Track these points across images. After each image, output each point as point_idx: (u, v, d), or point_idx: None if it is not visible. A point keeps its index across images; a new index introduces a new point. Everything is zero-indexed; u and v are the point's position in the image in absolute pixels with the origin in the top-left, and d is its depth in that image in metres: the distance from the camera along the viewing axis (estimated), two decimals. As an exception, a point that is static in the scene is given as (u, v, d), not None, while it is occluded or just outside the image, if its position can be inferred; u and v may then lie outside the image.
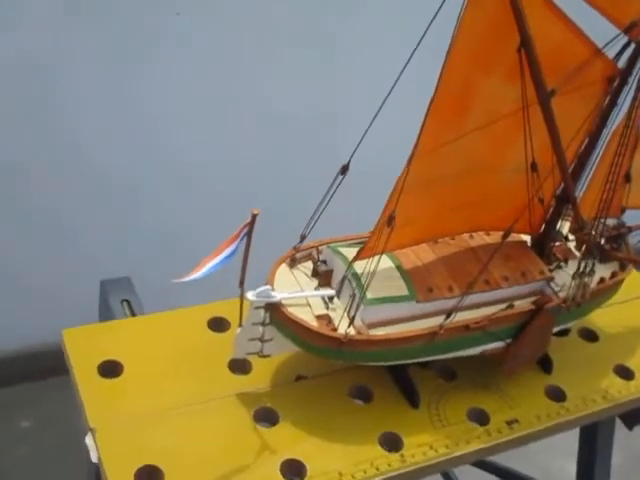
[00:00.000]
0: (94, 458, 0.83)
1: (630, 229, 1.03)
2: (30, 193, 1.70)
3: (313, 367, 0.94)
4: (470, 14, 0.70)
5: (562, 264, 0.97)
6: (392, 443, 0.89)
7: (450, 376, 0.99)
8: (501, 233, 0.96)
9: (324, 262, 0.89)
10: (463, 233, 0.94)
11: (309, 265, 0.91)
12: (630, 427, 1.13)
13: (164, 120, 1.73)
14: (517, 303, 0.92)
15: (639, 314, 1.13)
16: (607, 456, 1.19)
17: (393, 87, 0.77)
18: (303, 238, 0.88)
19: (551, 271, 0.95)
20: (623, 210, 1.01)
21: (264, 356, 0.89)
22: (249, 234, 0.75)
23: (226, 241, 0.74)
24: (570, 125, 0.86)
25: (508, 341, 0.92)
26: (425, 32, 0.72)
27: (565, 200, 0.93)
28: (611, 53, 0.84)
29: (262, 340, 0.86)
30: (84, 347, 0.93)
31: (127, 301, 1.05)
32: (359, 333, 0.84)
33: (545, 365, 1.01)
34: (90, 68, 1.65)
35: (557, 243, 0.99)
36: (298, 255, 0.90)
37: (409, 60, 0.74)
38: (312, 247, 0.90)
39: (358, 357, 0.86)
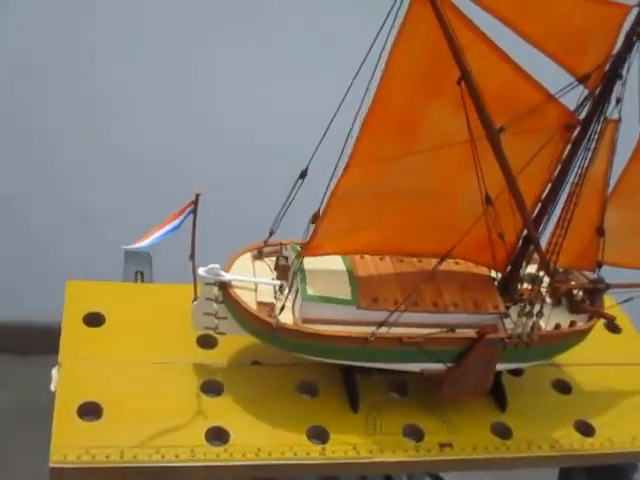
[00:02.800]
0: (53, 388, 0.95)
1: (608, 286, 1.04)
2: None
3: (271, 356, 1.02)
4: (404, 42, 0.78)
5: (526, 306, 1.00)
6: (319, 436, 0.96)
7: (401, 391, 1.04)
8: (469, 263, 1.02)
9: (285, 258, 0.98)
10: (428, 255, 0.98)
11: (274, 259, 1.00)
12: (593, 486, 1.12)
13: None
14: (463, 330, 0.96)
15: (622, 379, 1.13)
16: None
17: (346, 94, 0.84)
18: (271, 233, 0.97)
19: (508, 308, 0.98)
20: (600, 265, 1.02)
21: (221, 333, 0.99)
22: (194, 212, 0.86)
23: (170, 216, 0.84)
24: (529, 166, 0.90)
25: (449, 365, 0.97)
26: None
27: (529, 242, 0.97)
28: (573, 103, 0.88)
29: (217, 317, 0.96)
30: (79, 298, 1.06)
31: (141, 272, 1.18)
32: (295, 324, 0.92)
33: (500, 402, 1.04)
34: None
35: (528, 286, 1.02)
36: (267, 249, 1.00)
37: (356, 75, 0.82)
38: (281, 243, 0.99)
39: (290, 346, 0.93)
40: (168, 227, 0.84)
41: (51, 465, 0.86)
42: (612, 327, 1.21)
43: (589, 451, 1.02)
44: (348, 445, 0.95)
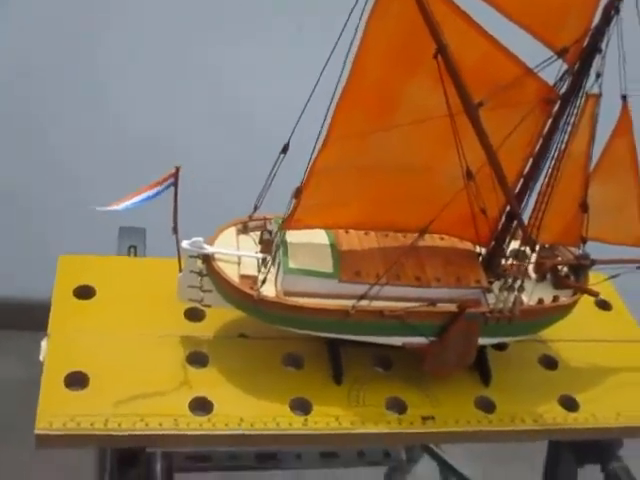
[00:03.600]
0: (41, 358, 0.97)
1: (593, 262, 1.04)
2: None
3: (257, 329, 1.03)
4: (378, 17, 0.78)
5: (509, 281, 1.00)
6: (302, 408, 0.97)
7: (385, 365, 1.05)
8: (454, 239, 1.03)
9: (269, 232, 0.99)
10: (410, 230, 0.99)
11: (259, 233, 1.01)
12: (579, 463, 1.13)
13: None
14: (444, 305, 0.97)
15: (609, 356, 1.13)
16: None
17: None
18: (256, 208, 0.98)
19: (491, 283, 0.99)
20: (584, 241, 1.02)
21: (207, 305, 1.00)
22: (175, 184, 0.87)
23: (148, 185, 0.86)
24: (510, 141, 0.90)
25: (431, 339, 0.98)
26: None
27: (512, 217, 0.97)
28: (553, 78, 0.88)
29: (202, 290, 0.98)
30: (70, 272, 1.08)
31: (134, 247, 1.19)
32: (276, 297, 0.93)
33: (484, 376, 1.05)
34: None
35: (513, 262, 1.02)
36: (251, 224, 1.01)
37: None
38: (264, 218, 1.00)
39: (271, 318, 0.94)
40: (144, 195, 0.85)
41: (36, 432, 0.88)
42: (602, 304, 1.22)
43: (572, 426, 1.03)
44: (330, 417, 0.97)
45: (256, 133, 1.79)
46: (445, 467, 1.66)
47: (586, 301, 1.17)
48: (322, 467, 1.70)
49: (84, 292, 1.06)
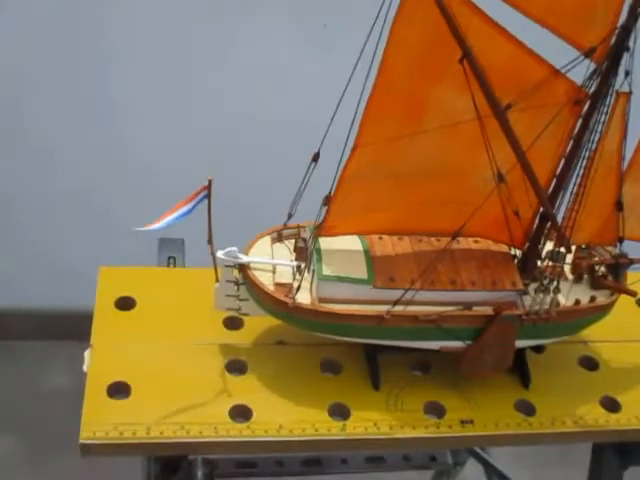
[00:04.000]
0: (85, 368, 1.00)
1: (631, 261, 1.03)
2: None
3: (295, 336, 1.04)
4: (402, 25, 0.79)
5: (544, 282, 0.99)
6: (340, 413, 0.98)
7: (424, 369, 1.05)
8: (489, 242, 1.02)
9: (304, 240, 1.00)
10: (444, 234, 0.99)
11: (294, 242, 1.02)
12: (624, 465, 1.11)
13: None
14: (480, 308, 0.97)
15: (650, 356, 1.12)
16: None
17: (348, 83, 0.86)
18: (290, 216, 0.99)
19: (527, 285, 0.99)
20: (621, 240, 1.01)
21: (244, 314, 1.02)
22: (209, 196, 0.89)
23: (183, 201, 0.88)
24: (542, 142, 0.90)
25: (468, 342, 0.97)
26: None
27: (545, 218, 0.97)
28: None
29: (239, 299, 0.99)
30: (111, 283, 1.10)
31: (173, 258, 1.22)
32: (311, 304, 0.94)
33: (523, 379, 1.04)
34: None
35: (549, 263, 1.01)
36: (286, 232, 1.02)
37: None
38: (298, 226, 1.01)
39: (307, 325, 0.95)
40: (181, 211, 0.87)
41: (81, 441, 0.91)
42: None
43: (614, 427, 1.02)
44: (369, 422, 0.97)
45: (284, 142, 1.81)
46: (490, 470, 1.65)
47: (626, 301, 1.15)
48: (367, 471, 1.70)
49: (125, 303, 1.08)
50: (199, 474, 0.92)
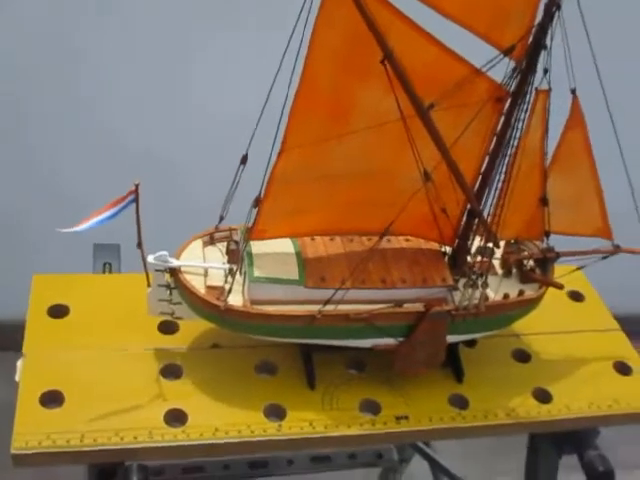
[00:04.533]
0: (17, 378, 0.98)
1: (558, 255, 1.05)
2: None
3: (230, 339, 1.04)
4: (323, 26, 0.80)
5: (476, 278, 1.01)
6: (276, 414, 0.98)
7: (359, 368, 1.06)
8: (420, 240, 1.04)
9: (236, 242, 1.00)
10: (374, 233, 1.00)
11: (226, 244, 1.02)
12: (559, 454, 1.14)
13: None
14: (410, 305, 0.98)
15: (581, 347, 1.14)
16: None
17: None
18: (221, 219, 0.99)
19: (457, 281, 1.00)
20: (548, 234, 1.04)
21: (178, 318, 1.02)
22: (137, 201, 0.89)
23: (109, 204, 0.87)
24: (466, 140, 0.92)
25: (400, 339, 0.99)
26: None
27: (473, 215, 0.98)
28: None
29: (172, 303, 0.99)
30: (43, 291, 1.09)
31: (109, 264, 1.21)
32: (243, 306, 0.95)
33: (457, 374, 1.06)
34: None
35: (481, 259, 1.03)
36: (218, 234, 1.02)
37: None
38: (230, 229, 1.02)
39: (240, 327, 0.96)
40: (106, 214, 0.87)
41: (12, 451, 0.89)
42: (575, 296, 1.23)
43: (546, 418, 1.04)
44: (304, 422, 0.98)
45: (215, 142, 1.80)
46: (435, 466, 1.67)
47: (558, 294, 1.18)
48: (314, 471, 1.71)
49: (58, 311, 1.07)
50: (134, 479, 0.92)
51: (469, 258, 1.02)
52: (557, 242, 1.08)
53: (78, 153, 1.92)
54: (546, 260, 1.05)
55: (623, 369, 1.13)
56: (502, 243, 1.06)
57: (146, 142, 1.87)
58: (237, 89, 1.79)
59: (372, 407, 1.01)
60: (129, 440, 0.92)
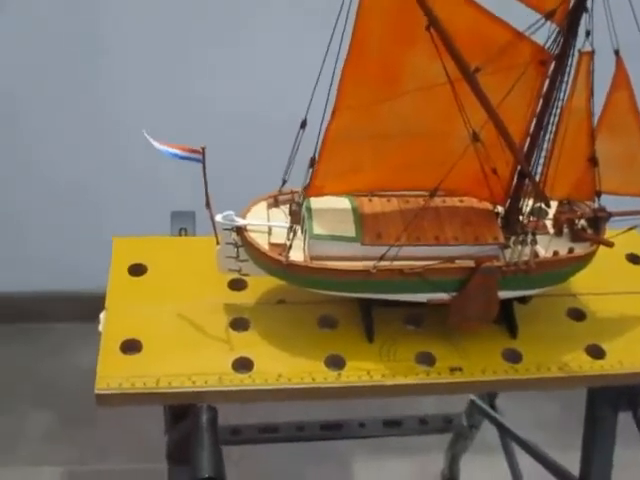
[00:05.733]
0: (100, 328, 1.08)
1: (610, 214, 1.08)
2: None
3: (295, 295, 1.12)
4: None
5: (528, 237, 1.05)
6: (336, 364, 1.05)
7: (416, 323, 1.12)
8: (473, 200, 1.09)
9: (298, 204, 1.07)
10: (428, 191, 1.05)
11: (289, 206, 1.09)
12: (614, 411, 1.17)
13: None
14: (462, 261, 1.03)
15: (637, 307, 1.16)
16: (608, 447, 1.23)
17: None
18: (284, 182, 1.06)
19: (508, 240, 1.04)
20: (599, 194, 1.07)
21: (245, 275, 1.09)
22: (203, 163, 0.97)
23: (180, 146, 0.96)
24: (512, 103, 0.96)
25: (453, 294, 1.04)
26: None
27: (523, 176, 1.02)
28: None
29: (239, 260, 1.07)
30: (124, 252, 1.19)
31: (184, 229, 1.30)
32: (303, 261, 1.01)
33: (511, 329, 1.10)
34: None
35: (534, 219, 1.07)
36: (281, 197, 1.09)
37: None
38: (292, 191, 1.08)
39: (300, 281, 1.03)
40: (174, 150, 0.95)
41: (96, 392, 0.99)
42: (633, 259, 1.25)
43: (598, 372, 1.08)
44: (362, 371, 1.04)
45: (276, 113, 1.86)
46: (505, 432, 1.70)
47: (617, 257, 1.22)
48: (385, 435, 1.77)
49: (137, 270, 1.16)
50: (204, 419, 1.00)
51: (521, 218, 1.06)
52: (610, 203, 1.11)
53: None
54: (598, 219, 1.08)
55: (679, 329, 1.15)
56: (555, 204, 1.10)
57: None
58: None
59: (427, 359, 1.07)
60: (200, 384, 1.01)
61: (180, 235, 1.30)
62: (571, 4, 0.89)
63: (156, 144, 0.95)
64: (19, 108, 2.07)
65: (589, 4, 0.89)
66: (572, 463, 1.34)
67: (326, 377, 1.03)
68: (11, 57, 1.97)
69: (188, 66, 2.00)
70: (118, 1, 1.91)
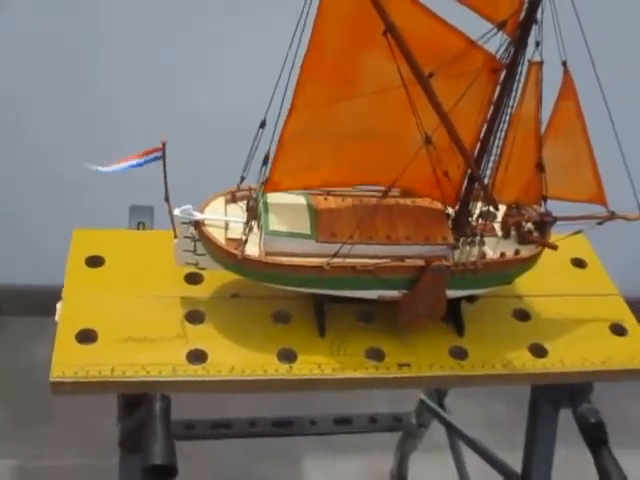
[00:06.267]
0: (57, 318, 1.10)
1: (555, 219, 1.12)
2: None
3: (249, 289, 1.14)
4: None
5: (476, 238, 1.09)
6: (288, 357, 1.07)
7: (367, 320, 1.15)
8: (426, 201, 1.12)
9: (255, 200, 1.10)
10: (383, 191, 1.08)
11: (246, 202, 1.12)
12: (555, 408, 1.21)
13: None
14: (413, 260, 1.06)
15: (579, 309, 1.21)
16: (549, 443, 1.27)
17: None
18: (242, 179, 1.09)
19: (458, 241, 1.08)
20: (545, 199, 1.11)
21: (202, 268, 1.12)
22: (163, 158, 0.99)
23: (136, 155, 0.97)
24: (464, 108, 0.99)
25: (403, 292, 1.07)
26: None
27: (473, 179, 1.06)
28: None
29: (196, 253, 1.09)
30: (82, 243, 1.20)
31: (142, 223, 1.31)
32: (259, 256, 1.04)
33: (458, 327, 1.14)
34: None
35: (483, 221, 1.11)
36: (239, 193, 1.12)
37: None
38: (250, 188, 1.11)
39: (255, 275, 1.05)
40: (132, 162, 0.97)
41: (51, 379, 1.00)
42: (578, 262, 1.30)
43: (540, 370, 1.12)
44: (313, 364, 1.07)
45: (235, 113, 1.89)
46: (453, 431, 1.75)
47: (562, 259, 1.27)
48: (335, 432, 1.81)
49: (95, 261, 1.18)
50: (157, 407, 1.02)
51: (471, 220, 1.10)
52: (555, 209, 1.15)
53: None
54: (544, 223, 1.13)
55: (619, 330, 1.20)
56: (503, 207, 1.14)
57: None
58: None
59: (377, 354, 1.10)
60: (154, 374, 1.03)
61: (138, 229, 1.31)
62: (522, 16, 0.93)
63: (105, 169, 0.97)
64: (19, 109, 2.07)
65: (539, 16, 0.93)
66: (518, 461, 1.39)
67: (278, 370, 1.06)
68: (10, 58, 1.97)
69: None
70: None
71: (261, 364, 1.06)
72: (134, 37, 1.95)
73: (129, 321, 1.09)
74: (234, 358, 1.06)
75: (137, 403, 1.05)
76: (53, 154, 2.11)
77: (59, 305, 1.11)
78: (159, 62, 1.99)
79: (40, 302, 2.28)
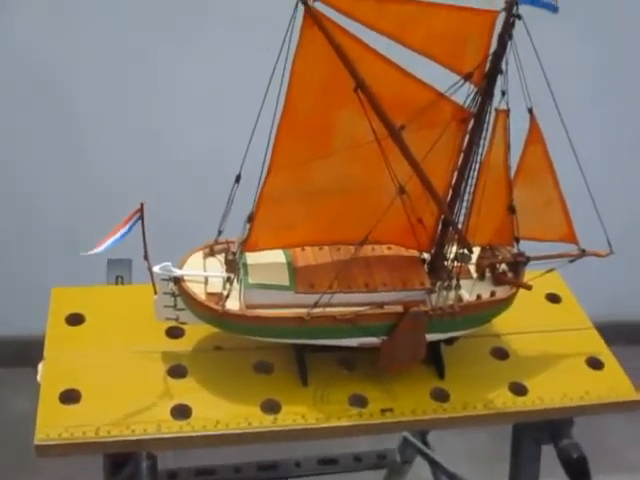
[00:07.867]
0: (38, 379, 1.09)
1: (528, 259, 1.15)
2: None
3: (230, 342, 1.15)
4: (302, 59, 0.90)
5: (452, 282, 1.11)
6: (272, 408, 1.08)
7: (348, 366, 1.16)
8: (401, 248, 1.14)
9: (233, 253, 1.11)
10: (359, 242, 1.10)
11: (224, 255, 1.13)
12: (538, 444, 1.23)
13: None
14: (391, 307, 1.08)
15: (556, 344, 1.23)
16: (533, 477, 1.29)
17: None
18: (220, 233, 1.10)
19: (434, 285, 1.10)
20: (517, 240, 1.13)
21: (183, 323, 1.12)
22: (142, 218, 1.00)
23: (120, 224, 0.98)
24: (436, 157, 1.02)
25: (383, 338, 1.09)
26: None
27: (447, 224, 1.08)
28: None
29: (176, 309, 1.10)
30: (62, 302, 1.21)
31: (121, 277, 1.32)
32: (239, 310, 1.05)
33: (439, 370, 1.16)
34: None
35: (458, 264, 1.13)
36: (217, 247, 1.13)
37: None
38: (227, 242, 1.12)
39: (236, 329, 1.06)
40: (119, 233, 0.98)
41: (35, 443, 1.00)
42: (552, 298, 1.32)
43: (520, 408, 1.14)
44: (297, 415, 1.08)
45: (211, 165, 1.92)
46: (436, 467, 1.75)
47: (537, 296, 1.29)
48: (321, 473, 1.80)
49: (75, 319, 1.18)
50: (143, 466, 1.02)
51: (446, 263, 1.12)
52: (529, 248, 1.18)
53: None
54: (517, 264, 1.15)
55: (595, 364, 1.22)
56: (477, 249, 1.16)
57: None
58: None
59: (360, 401, 1.11)
60: (139, 432, 1.03)
61: (117, 283, 1.32)
62: (487, 67, 0.96)
63: (98, 249, 0.97)
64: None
65: (504, 66, 0.96)
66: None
67: (262, 422, 1.07)
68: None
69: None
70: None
71: (245, 416, 1.07)
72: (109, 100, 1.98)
73: (112, 379, 1.09)
74: (218, 412, 1.07)
75: (123, 461, 1.05)
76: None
77: (40, 365, 1.11)
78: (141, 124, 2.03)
79: (16, 353, 2.30)
